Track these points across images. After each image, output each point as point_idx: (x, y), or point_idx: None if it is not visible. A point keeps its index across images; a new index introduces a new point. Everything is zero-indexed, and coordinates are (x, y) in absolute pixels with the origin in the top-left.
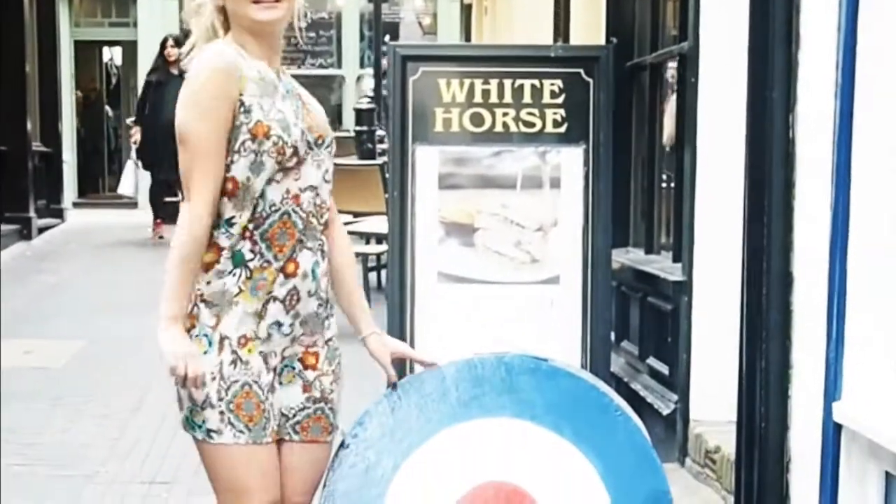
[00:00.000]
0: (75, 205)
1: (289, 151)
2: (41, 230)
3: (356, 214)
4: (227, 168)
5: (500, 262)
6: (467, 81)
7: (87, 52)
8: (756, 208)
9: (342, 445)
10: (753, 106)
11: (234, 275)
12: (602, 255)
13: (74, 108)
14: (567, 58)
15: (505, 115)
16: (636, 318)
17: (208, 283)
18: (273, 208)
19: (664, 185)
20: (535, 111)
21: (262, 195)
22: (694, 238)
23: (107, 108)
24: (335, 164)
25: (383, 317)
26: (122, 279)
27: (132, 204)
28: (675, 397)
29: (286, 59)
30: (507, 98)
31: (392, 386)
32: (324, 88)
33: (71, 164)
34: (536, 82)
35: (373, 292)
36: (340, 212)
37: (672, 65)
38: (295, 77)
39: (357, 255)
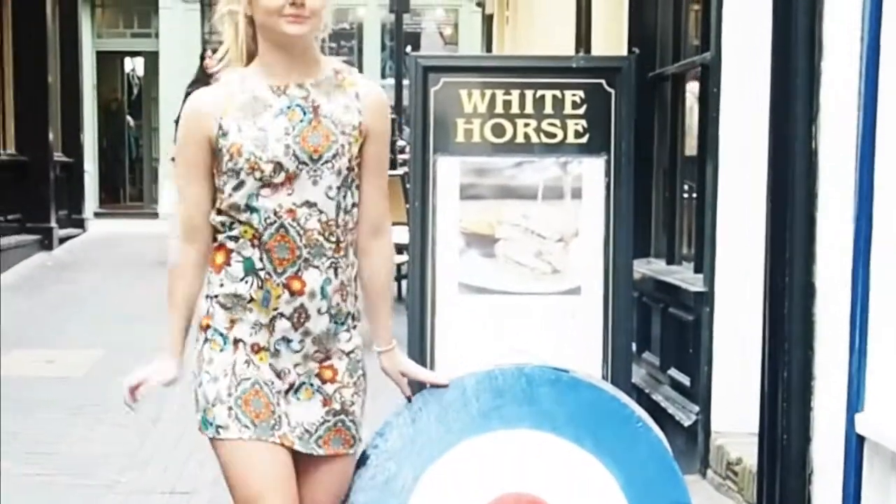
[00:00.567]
0: (96, 215)
1: (266, 167)
2: (62, 240)
3: None
4: (221, 189)
5: (520, 272)
6: (489, 92)
7: (109, 62)
8: (778, 219)
9: (362, 456)
10: (776, 116)
11: (247, 282)
12: (623, 265)
13: (96, 118)
14: (589, 68)
15: (526, 125)
16: (657, 329)
17: (221, 284)
18: (268, 220)
19: (686, 195)
20: (557, 122)
21: (254, 209)
22: (716, 248)
23: (128, 118)
24: None
25: (404, 327)
26: (143, 289)
27: (153, 214)
28: (696, 408)
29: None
30: (529, 108)
31: (409, 398)
32: None
33: (92, 175)
34: (558, 93)
35: (394, 302)
36: None
37: (694, 75)
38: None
39: None
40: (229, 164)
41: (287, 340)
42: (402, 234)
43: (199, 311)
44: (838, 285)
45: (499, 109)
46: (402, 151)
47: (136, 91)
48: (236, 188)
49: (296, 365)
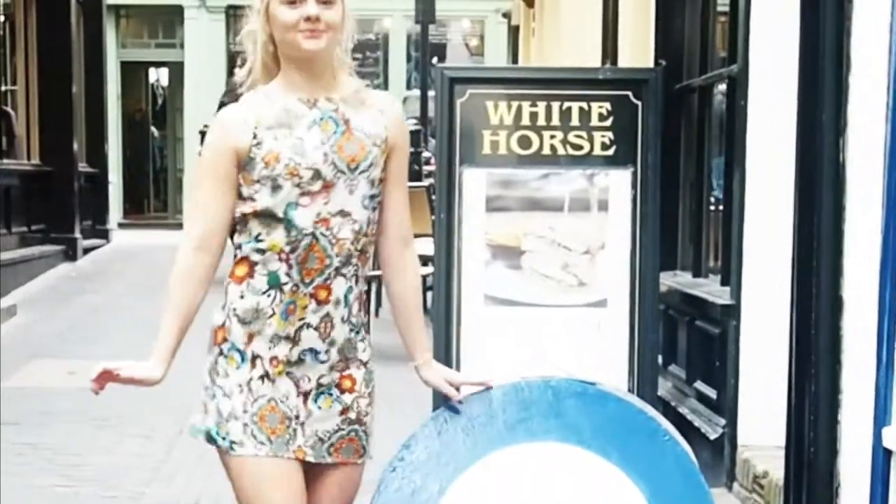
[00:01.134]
0: (120, 225)
1: (306, 174)
2: (86, 251)
3: None
4: (252, 198)
5: (546, 284)
6: (515, 104)
7: (133, 72)
8: (805, 231)
9: (388, 468)
10: (803, 129)
11: (269, 296)
12: (650, 278)
13: (120, 128)
14: (615, 80)
15: (553, 137)
16: (684, 342)
17: (241, 297)
18: (305, 232)
19: (713, 207)
20: (583, 133)
21: (290, 220)
22: (742, 261)
23: (152, 128)
24: None
25: (429, 339)
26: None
27: (177, 224)
28: (722, 421)
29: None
30: (555, 120)
31: (442, 406)
32: None
33: (116, 185)
34: (584, 105)
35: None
36: None
37: (721, 87)
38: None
39: None
40: (264, 172)
41: (314, 352)
42: (427, 246)
43: (213, 321)
44: (865, 298)
45: (525, 121)
46: (427, 163)
47: (160, 101)
48: (273, 192)
49: (320, 376)
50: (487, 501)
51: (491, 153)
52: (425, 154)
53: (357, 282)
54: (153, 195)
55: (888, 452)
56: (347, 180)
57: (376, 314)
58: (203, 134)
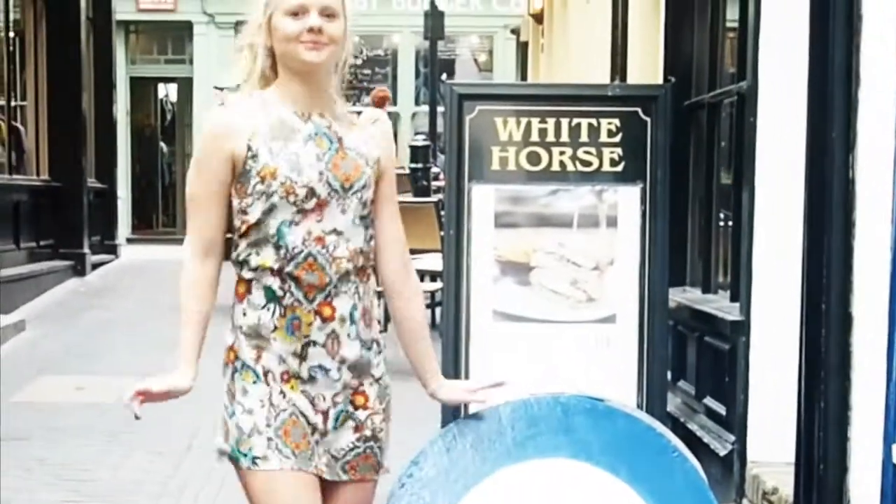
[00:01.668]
0: (129, 241)
1: (301, 192)
2: (95, 266)
3: (411, 252)
4: (244, 211)
5: (556, 300)
6: (524, 120)
7: (142, 88)
8: (815, 248)
9: (397, 485)
10: (813, 145)
11: (269, 310)
12: (659, 294)
13: (129, 144)
14: (624, 96)
15: (562, 153)
16: (693, 358)
17: (244, 314)
18: (296, 250)
19: (722, 224)
20: (593, 150)
21: (280, 238)
22: (752, 277)
23: (161, 144)
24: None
25: (438, 355)
26: (176, 315)
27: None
28: (732, 438)
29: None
30: (564, 136)
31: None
32: None
33: (125, 201)
34: (594, 121)
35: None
36: None
37: (730, 103)
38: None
39: None
40: (259, 187)
41: (325, 369)
42: (436, 262)
43: (225, 342)
44: (875, 314)
45: (534, 137)
46: (436, 178)
47: (169, 117)
48: (267, 212)
49: (335, 394)
50: None
51: (500, 169)
52: (434, 170)
53: (361, 299)
54: (162, 210)
55: None
56: (340, 199)
57: (384, 328)
58: None
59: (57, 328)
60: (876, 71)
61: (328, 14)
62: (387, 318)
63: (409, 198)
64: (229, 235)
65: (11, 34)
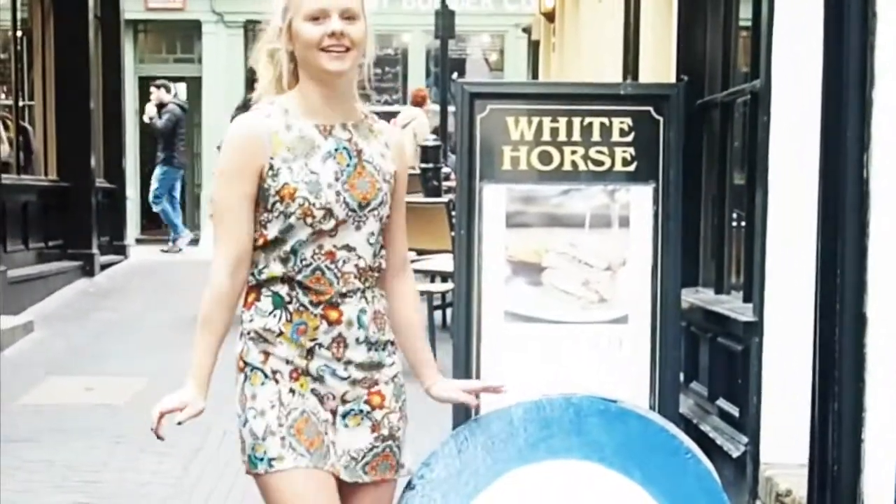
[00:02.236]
0: (138, 241)
1: (318, 213)
2: (104, 267)
3: (421, 252)
4: (264, 225)
5: (567, 301)
6: (535, 119)
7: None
8: (829, 248)
9: (408, 486)
10: (827, 145)
11: (275, 316)
12: (671, 294)
13: (138, 144)
14: (637, 95)
15: (573, 153)
16: (706, 359)
17: (251, 320)
18: (304, 263)
19: (735, 224)
20: (604, 149)
21: (294, 252)
22: (765, 278)
23: None
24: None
25: (449, 356)
26: (185, 316)
27: (194, 241)
28: (745, 439)
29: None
30: (576, 136)
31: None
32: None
33: (134, 201)
34: (606, 120)
35: (438, 331)
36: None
37: (743, 102)
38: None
39: (422, 293)
40: (279, 206)
41: (331, 369)
42: (447, 262)
43: (235, 352)
44: (890, 315)
45: (546, 137)
46: (447, 178)
47: None
48: (285, 231)
49: (344, 392)
50: None
51: (511, 169)
52: (445, 170)
53: (370, 302)
54: None
55: None
56: (356, 218)
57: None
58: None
59: (65, 329)
60: (891, 69)
61: (349, 17)
62: None
63: (419, 198)
64: None
65: (19, 33)
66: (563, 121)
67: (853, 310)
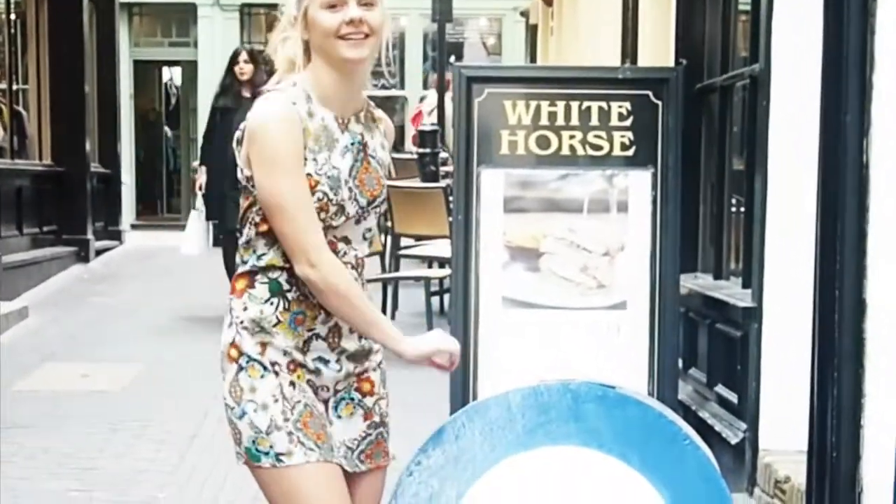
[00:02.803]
0: (133, 226)
1: (333, 209)
2: (99, 252)
3: (419, 238)
4: None
5: (565, 287)
6: (533, 103)
7: (146, 71)
8: (828, 233)
9: (405, 472)
10: (826, 129)
11: (272, 304)
12: (670, 280)
13: (133, 128)
14: (635, 80)
15: (572, 137)
16: (704, 345)
17: (245, 308)
18: None
19: (734, 209)
20: (603, 134)
21: None
22: (764, 263)
23: (166, 128)
24: (397, 187)
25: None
26: (181, 302)
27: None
28: (743, 426)
29: None
30: (574, 120)
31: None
32: (386, 109)
33: (129, 186)
34: (604, 104)
35: (436, 317)
36: (403, 235)
37: (743, 87)
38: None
39: (419, 279)
40: None
41: (325, 361)
42: (444, 248)
43: (222, 342)
44: (889, 301)
45: (544, 121)
46: (444, 163)
47: (173, 101)
48: None
49: (336, 383)
50: None
51: (509, 153)
52: (442, 155)
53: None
54: (166, 196)
55: None
56: (362, 214)
57: (392, 317)
58: (206, 137)
59: (61, 315)
60: (891, 53)
61: (366, 3)
62: (394, 307)
63: (416, 183)
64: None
65: (13, 16)
66: (561, 105)
67: (853, 295)
